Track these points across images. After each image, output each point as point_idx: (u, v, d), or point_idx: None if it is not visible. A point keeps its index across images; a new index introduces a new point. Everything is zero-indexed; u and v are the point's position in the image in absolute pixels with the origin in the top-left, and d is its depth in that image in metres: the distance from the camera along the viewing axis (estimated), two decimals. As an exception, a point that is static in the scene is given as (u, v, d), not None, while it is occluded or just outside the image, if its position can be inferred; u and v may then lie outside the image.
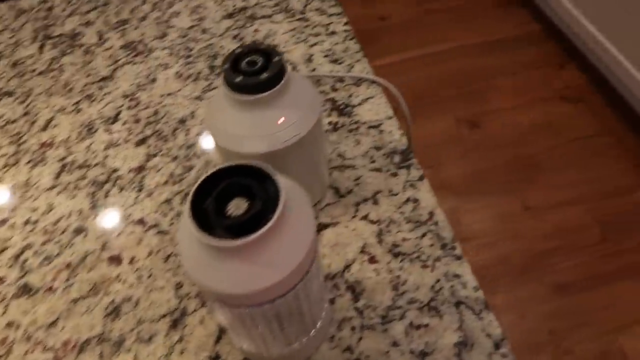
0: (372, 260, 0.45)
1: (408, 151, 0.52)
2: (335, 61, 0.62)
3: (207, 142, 0.56)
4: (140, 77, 0.63)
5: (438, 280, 0.43)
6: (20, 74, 0.66)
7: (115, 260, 0.48)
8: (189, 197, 0.28)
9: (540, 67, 1.76)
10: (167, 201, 0.51)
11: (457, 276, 0.43)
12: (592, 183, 1.44)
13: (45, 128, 0.60)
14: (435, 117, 1.65)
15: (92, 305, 0.45)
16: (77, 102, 0.62)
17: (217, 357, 0.41)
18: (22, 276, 0.47)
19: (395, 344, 0.40)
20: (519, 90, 1.69)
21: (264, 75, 0.38)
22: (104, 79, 0.64)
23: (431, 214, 0.47)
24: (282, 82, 0.39)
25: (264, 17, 0.69)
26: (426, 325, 0.41)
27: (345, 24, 0.67)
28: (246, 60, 0.39)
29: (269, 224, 0.27)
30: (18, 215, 0.52)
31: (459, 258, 0.45)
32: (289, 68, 0.40)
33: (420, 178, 0.50)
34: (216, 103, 0.42)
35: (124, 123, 0.59)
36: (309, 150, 0.43)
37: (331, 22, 0.67)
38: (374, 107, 0.57)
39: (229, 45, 0.66)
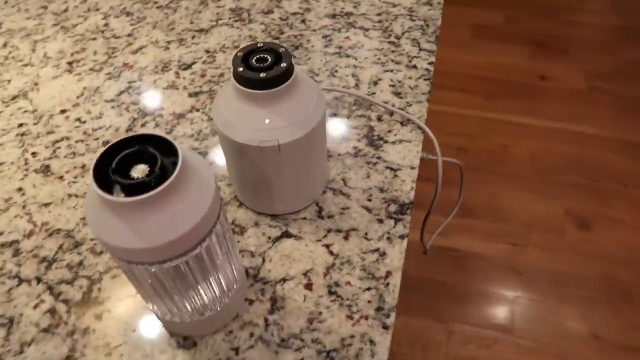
0: (308, 286, 0.45)
1: (407, 206, 0.50)
2: (397, 94, 0.61)
3: (244, 117, 0.59)
4: (228, 41, 0.69)
5: (352, 337, 0.42)
6: (145, 1, 0.76)
7: (116, 179, 0.54)
8: (94, 161, 0.32)
9: (689, 196, 1.51)
10: (182, 152, 0.56)
11: (372, 342, 0.42)
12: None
13: (135, 52, 0.68)
14: (540, 198, 1.52)
15: (79, 205, 0.51)
16: (169, 42, 0.69)
17: (136, 294, 0.45)
18: (49, 158, 0.56)
19: (277, 369, 0.41)
20: (649, 210, 1.48)
21: (264, 74, 0.40)
22: (200, 30, 0.71)
23: (388, 274, 0.46)
24: (282, 86, 0.40)
25: (361, 28, 0.70)
26: (314, 369, 0.41)
27: (430, 63, 0.65)
28: (258, 56, 0.41)
29: (163, 185, 0.30)
30: (75, 112, 0.61)
31: (385, 328, 0.43)
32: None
33: (402, 237, 0.48)
34: (225, 90, 0.45)
35: (192, 73, 0.65)
36: (301, 154, 0.44)
37: (418, 57, 0.66)
38: (404, 151, 0.55)
39: (316, 42, 0.68)
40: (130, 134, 0.33)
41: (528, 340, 1.24)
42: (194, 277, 0.36)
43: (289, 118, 0.42)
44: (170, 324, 0.41)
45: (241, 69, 0.41)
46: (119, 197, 0.30)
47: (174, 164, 0.31)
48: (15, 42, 0.70)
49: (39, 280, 0.46)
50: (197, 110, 0.60)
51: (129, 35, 0.71)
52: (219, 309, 0.40)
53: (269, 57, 0.42)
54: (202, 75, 0.64)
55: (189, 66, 0.66)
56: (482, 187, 1.54)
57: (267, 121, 0.42)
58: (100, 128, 0.59)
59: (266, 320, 0.43)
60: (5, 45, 0.70)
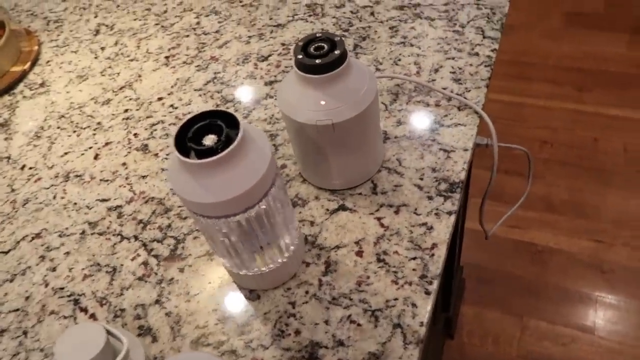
0: (359, 253, 0.50)
1: (457, 185, 0.53)
2: (456, 80, 0.63)
3: (311, 103, 0.65)
4: (302, 34, 0.75)
5: (396, 299, 0.46)
6: (231, 0, 0.84)
7: (200, 157, 0.62)
8: (175, 131, 0.39)
9: None
10: (256, 133, 0.63)
11: (414, 305, 0.46)
12: None
13: (221, 46, 0.77)
14: (632, 195, 1.42)
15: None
16: (251, 36, 0.77)
17: (212, 254, 0.52)
18: (147, 139, 0.66)
19: (327, 322, 0.46)
20: None
21: (319, 60, 0.45)
22: (278, 25, 0.78)
23: (434, 246, 0.49)
24: (335, 71, 0.45)
25: (427, 18, 0.73)
26: (359, 325, 0.45)
27: (493, 50, 0.66)
28: (316, 44, 0.46)
29: (226, 151, 0.36)
30: (169, 99, 0.70)
31: (427, 293, 0.46)
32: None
33: (450, 213, 0.51)
34: (289, 76, 0.50)
35: (269, 64, 0.72)
36: (354, 133, 0.49)
37: (481, 44, 0.67)
38: (458, 134, 0.58)
39: (382, 33, 0.72)
40: (200, 111, 0.40)
41: (610, 341, 1.18)
42: (255, 234, 0.43)
43: (342, 100, 0.47)
44: (238, 277, 0.48)
45: (300, 56, 0.46)
46: (192, 159, 0.37)
47: (237, 135, 0.38)
48: (124, 40, 0.82)
49: (136, 238, 0.56)
50: (271, 97, 0.67)
51: (217, 31, 0.79)
52: (278, 265, 0.47)
53: (325, 46, 0.47)
54: (277, 66, 0.71)
55: (266, 58, 0.73)
56: (566, 182, 1.47)
57: (322, 102, 0.47)
58: (189, 113, 0.68)
59: (320, 280, 0.49)
60: (116, 43, 0.82)
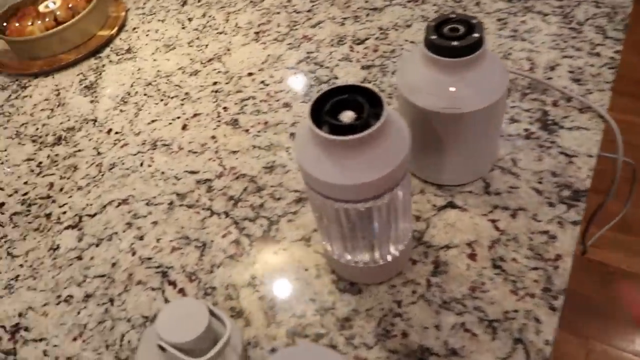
0: (471, 256, 0.46)
1: (582, 193, 0.48)
2: (576, 80, 0.58)
3: (413, 92, 0.61)
4: (400, 20, 0.71)
5: (516, 311, 0.42)
6: (324, -20, 0.81)
7: (293, 137, 0.59)
8: (311, 101, 0.35)
9: None
10: (353, 118, 0.59)
11: (537, 320, 0.41)
12: None
13: (314, 26, 0.73)
14: None
15: (262, 156, 0.58)
16: (345, 18, 0.74)
17: (308, 239, 0.49)
18: (237, 113, 0.63)
19: (437, 327, 0.42)
20: None
21: (456, 43, 0.41)
22: (374, 9, 0.74)
23: (558, 257, 0.45)
24: (472, 55, 0.41)
25: (539, 13, 0.68)
26: (475, 335, 0.41)
27: (617, 52, 0.61)
28: (450, 26, 0.42)
29: (371, 129, 0.33)
30: (260, 76, 0.68)
31: (552, 309, 0.42)
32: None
33: (575, 223, 0.47)
34: (411, 57, 0.47)
35: (365, 48, 0.68)
36: (479, 126, 0.45)
37: (603, 44, 0.62)
38: (581, 138, 0.53)
39: (490, 25, 0.67)
40: (339, 83, 0.36)
41: (677, 378, 1.10)
42: (374, 224, 0.39)
43: (473, 88, 0.43)
44: (340, 267, 0.45)
45: (434, 36, 0.42)
46: (334, 135, 0.34)
47: (376, 115, 0.34)
48: (212, 12, 0.80)
49: (227, 214, 0.53)
50: (369, 82, 0.64)
51: (309, 11, 0.76)
52: (389, 259, 0.43)
53: (460, 28, 0.43)
54: (375, 50, 0.68)
55: (362, 41, 0.69)
56: None
57: (452, 89, 0.43)
58: (281, 91, 0.65)
59: (428, 281, 0.45)
60: (204, 15, 0.80)
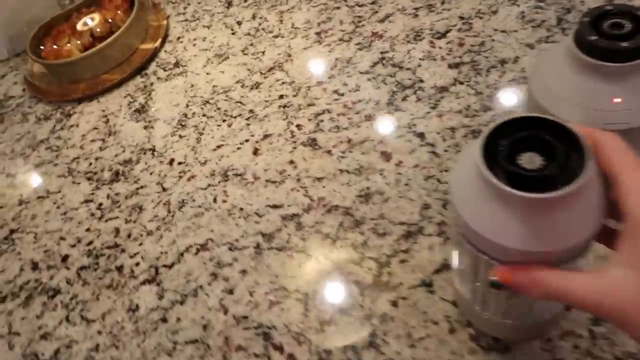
0: None
1: None
2: None
3: (516, 93, 0.53)
4: (483, 6, 0.62)
5: None
6: (384, -35, 0.72)
7: (385, 156, 0.51)
8: (482, 138, 0.27)
9: None
10: (452, 129, 0.51)
11: None
12: None
13: (382, 20, 0.65)
14: None
15: (352, 182, 0.50)
16: (418, 8, 0.65)
17: (430, 284, 0.42)
18: (314, 131, 0.56)
19: (615, 392, 0.35)
20: None
21: (628, 43, 0.32)
22: (450, -6, 0.65)
23: None
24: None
25: (652, -16, 0.58)
26: (666, 400, 0.34)
27: None
28: (611, 21, 0.34)
29: (575, 185, 0.25)
30: (331, 84, 0.60)
31: None
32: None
33: None
34: (552, 58, 0.38)
35: (448, 42, 0.60)
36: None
37: None
38: None
39: (592, 3, 0.58)
40: (515, 114, 0.28)
41: None
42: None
43: (645, 98, 0.34)
44: (483, 321, 0.38)
45: (594, 37, 0.34)
46: (526, 192, 0.26)
47: (583, 162, 0.26)
48: (262, 13, 0.72)
49: (325, 256, 0.46)
50: (461, 83, 0.55)
51: (373, 2, 0.67)
52: (549, 317, 0.35)
53: (625, 23, 0.34)
54: (460, 44, 0.59)
55: (443, 34, 0.61)
56: None
57: (617, 100, 0.35)
58: (360, 101, 0.57)
59: (591, 331, 0.37)
60: (254, 17, 0.71)
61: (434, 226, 0.45)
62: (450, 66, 0.57)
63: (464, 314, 0.40)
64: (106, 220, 0.54)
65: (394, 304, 0.42)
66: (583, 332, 0.37)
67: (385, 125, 0.54)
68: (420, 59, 0.59)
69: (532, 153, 0.27)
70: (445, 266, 0.43)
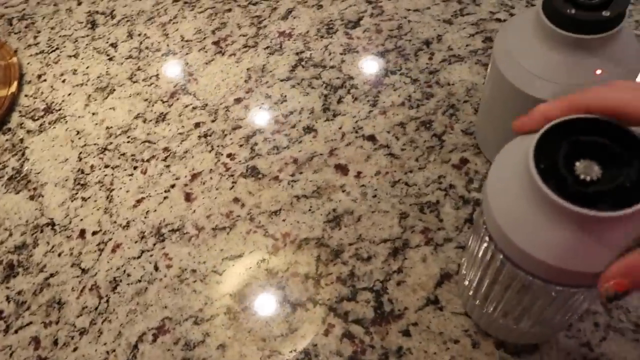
0: None
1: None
2: None
3: (450, 73, 0.51)
4: (387, -15, 0.59)
5: None
6: (267, -44, 0.65)
7: (341, 169, 0.46)
8: (531, 147, 0.24)
9: None
10: (401, 124, 0.48)
11: None
12: None
13: (285, 17, 0.58)
14: None
15: (314, 207, 0.44)
16: (319, -2, 0.59)
17: (436, 301, 0.39)
18: (250, 158, 0.48)
19: (647, 359, 0.35)
20: None
21: (604, 13, 0.31)
22: (348, -22, 0.61)
23: None
24: (618, 27, 0.32)
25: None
26: (691, 353, 0.35)
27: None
28: (579, -8, 0.32)
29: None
30: (252, 99, 0.52)
31: None
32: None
33: None
34: (518, 34, 0.36)
35: (365, 30, 0.56)
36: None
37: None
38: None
39: (490, -31, 0.58)
40: (567, 117, 0.24)
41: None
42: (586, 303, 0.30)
43: (621, 68, 0.34)
44: (506, 332, 0.35)
45: (572, 10, 0.32)
46: (563, 201, 0.22)
47: (624, 159, 0.23)
48: (139, 29, 0.60)
49: (314, 302, 0.40)
50: (393, 72, 0.52)
51: (268, -1, 0.61)
52: (566, 318, 0.34)
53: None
54: (378, 32, 0.55)
55: (356, 23, 0.56)
56: None
57: (598, 72, 0.33)
58: (292, 113, 0.50)
59: (605, 305, 0.37)
60: (130, 35, 0.60)
61: (419, 235, 0.42)
62: (375, 56, 0.53)
63: (481, 324, 0.37)
64: (16, 331, 0.42)
65: (406, 333, 0.38)
66: (598, 308, 0.37)
67: (329, 134, 0.48)
68: (341, 53, 0.54)
69: (589, 160, 0.24)
70: (444, 276, 0.40)
